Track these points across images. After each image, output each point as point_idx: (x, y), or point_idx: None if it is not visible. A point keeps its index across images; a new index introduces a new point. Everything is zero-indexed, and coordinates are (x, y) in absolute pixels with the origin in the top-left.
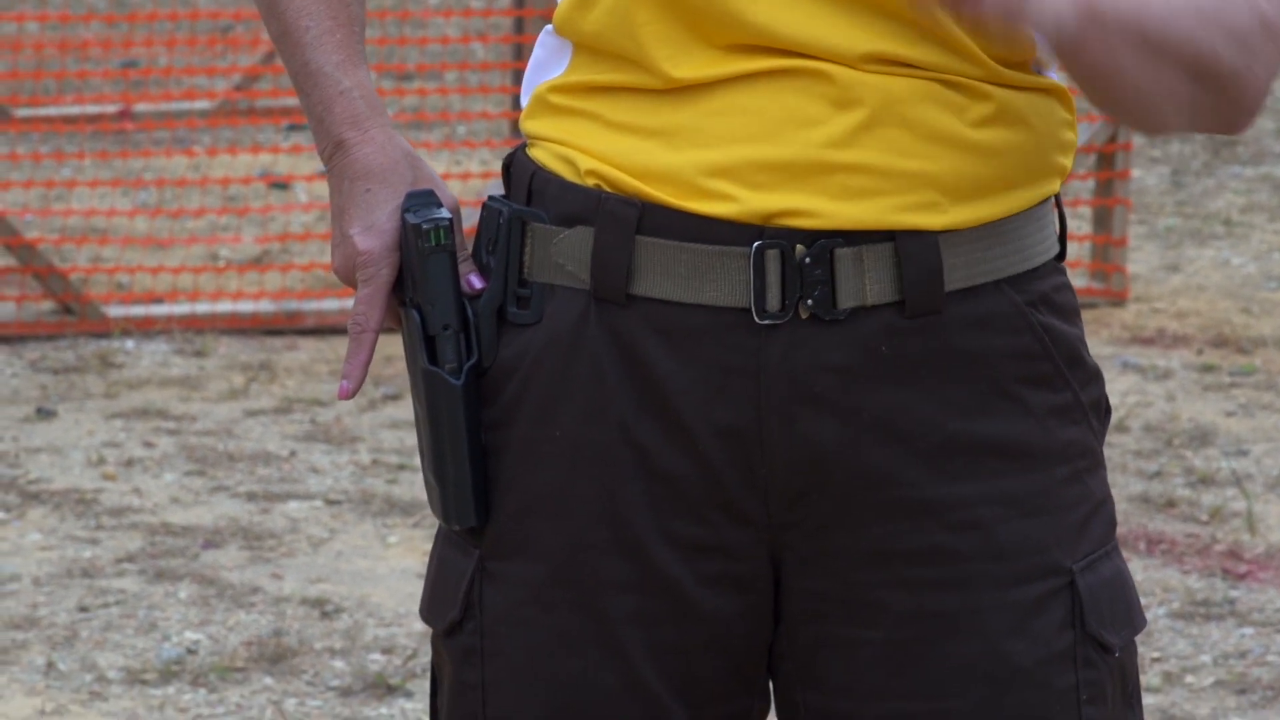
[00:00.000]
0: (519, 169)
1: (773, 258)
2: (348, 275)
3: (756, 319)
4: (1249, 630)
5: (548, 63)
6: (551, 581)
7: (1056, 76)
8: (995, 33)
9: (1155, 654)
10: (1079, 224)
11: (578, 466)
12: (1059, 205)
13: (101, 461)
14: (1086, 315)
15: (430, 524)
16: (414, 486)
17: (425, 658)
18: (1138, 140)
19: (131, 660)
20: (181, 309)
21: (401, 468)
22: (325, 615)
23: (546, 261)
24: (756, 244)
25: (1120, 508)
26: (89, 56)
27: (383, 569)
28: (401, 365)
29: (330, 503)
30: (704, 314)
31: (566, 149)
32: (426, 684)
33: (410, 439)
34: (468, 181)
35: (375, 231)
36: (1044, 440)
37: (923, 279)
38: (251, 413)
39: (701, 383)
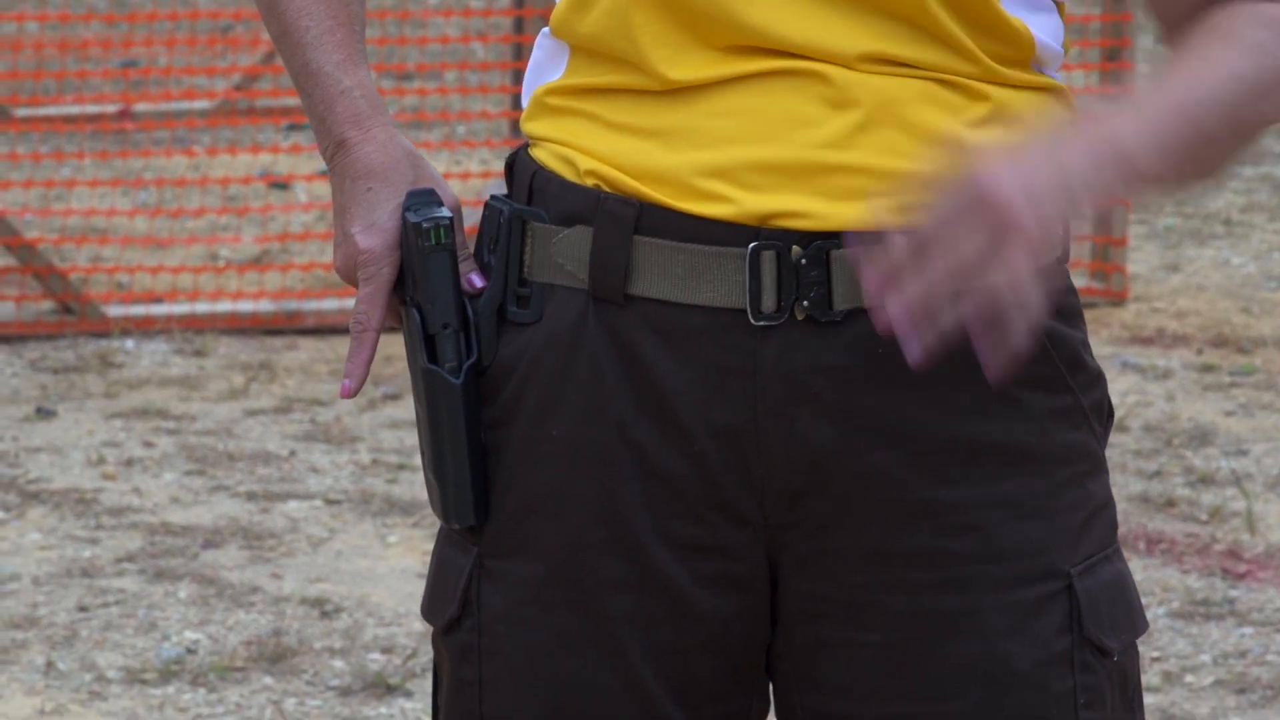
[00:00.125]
0: (521, 168)
1: (768, 259)
2: (349, 274)
3: (752, 320)
4: (1248, 630)
5: (545, 66)
6: (550, 580)
7: (1058, 76)
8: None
9: (1155, 653)
10: (1079, 223)
11: (576, 466)
12: None
13: (101, 461)
14: (1086, 315)
15: (430, 523)
16: (414, 486)
17: (425, 657)
18: None
19: (131, 660)
20: (181, 309)
21: (401, 467)
22: (325, 615)
23: (546, 261)
24: (752, 245)
25: (1120, 507)
26: (89, 56)
27: (382, 569)
28: (401, 365)
29: (330, 502)
30: (701, 314)
31: (566, 149)
32: (426, 684)
33: (410, 439)
34: (467, 181)
35: (376, 230)
36: (1043, 443)
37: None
38: (251, 412)
39: (699, 383)
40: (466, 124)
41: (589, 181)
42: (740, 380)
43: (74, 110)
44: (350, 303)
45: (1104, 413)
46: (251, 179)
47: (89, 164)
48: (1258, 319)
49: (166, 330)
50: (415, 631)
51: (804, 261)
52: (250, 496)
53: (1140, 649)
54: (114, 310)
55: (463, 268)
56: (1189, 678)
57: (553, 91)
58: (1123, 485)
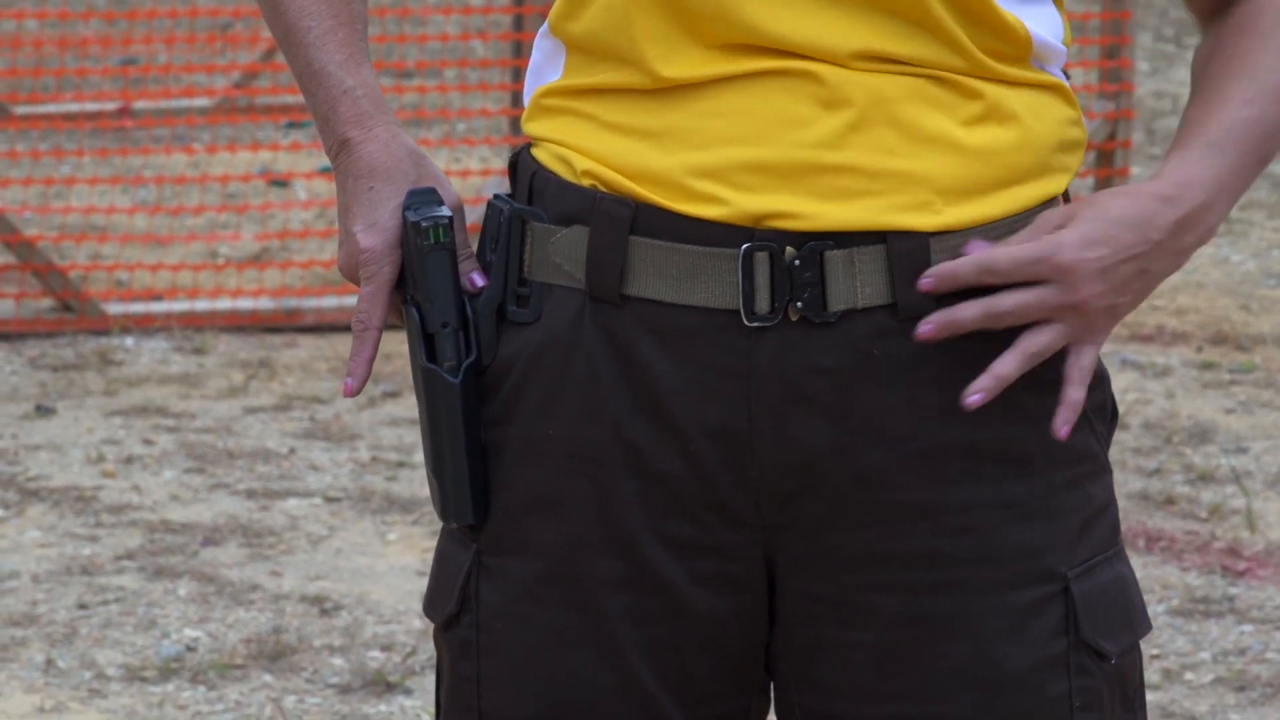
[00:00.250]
0: (522, 168)
1: (761, 260)
2: (351, 273)
3: (746, 321)
4: (1248, 627)
5: (544, 67)
6: (547, 578)
7: (1059, 73)
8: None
9: (1154, 651)
10: None
11: (572, 465)
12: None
13: (101, 459)
14: None
15: (429, 521)
16: (413, 484)
17: (424, 655)
18: (1137, 138)
19: (131, 658)
20: (181, 306)
21: (401, 465)
22: (324, 612)
23: (545, 260)
24: (745, 247)
25: (1119, 505)
26: (88, 54)
27: (382, 566)
28: (401, 363)
29: (329, 500)
30: (696, 315)
31: (563, 149)
32: (425, 681)
33: (409, 436)
34: (467, 178)
35: (377, 229)
36: (1042, 445)
37: (915, 280)
38: (251, 410)
39: (694, 383)
40: (466, 121)
41: (585, 182)
42: (735, 381)
43: (73, 108)
44: (350, 300)
45: (1107, 413)
46: (251, 176)
47: (88, 161)
48: (1257, 316)
49: (166, 328)
50: (415, 629)
51: (797, 263)
52: (250, 494)
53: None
54: (113, 308)
55: (464, 267)
56: (1188, 675)
57: (551, 93)
58: (1122, 483)
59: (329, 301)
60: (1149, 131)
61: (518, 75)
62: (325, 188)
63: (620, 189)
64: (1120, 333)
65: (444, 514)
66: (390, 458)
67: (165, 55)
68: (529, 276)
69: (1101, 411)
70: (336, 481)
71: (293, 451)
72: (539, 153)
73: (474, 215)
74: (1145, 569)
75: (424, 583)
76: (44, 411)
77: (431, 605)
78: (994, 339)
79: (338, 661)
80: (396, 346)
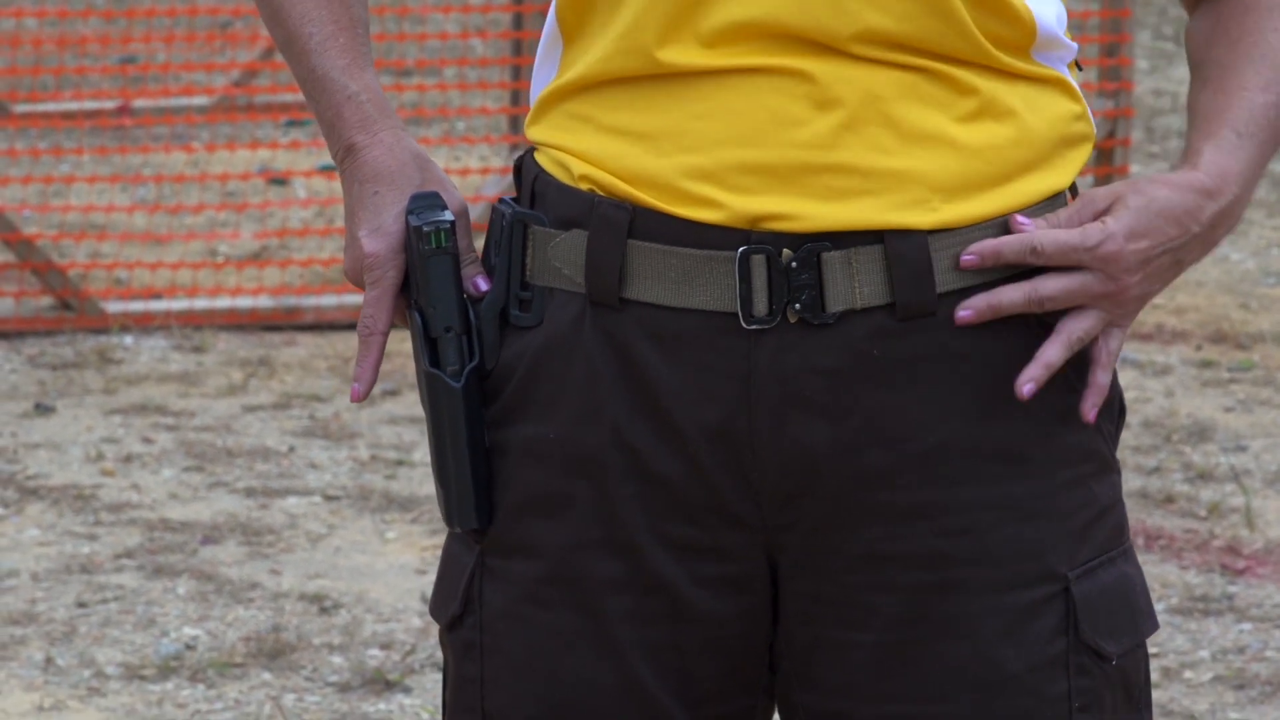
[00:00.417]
0: (525, 172)
1: (758, 263)
2: (356, 278)
3: (744, 324)
4: (1247, 626)
5: (545, 64)
6: (548, 579)
7: (1062, 68)
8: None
9: (1154, 650)
10: None
11: (573, 467)
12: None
13: (100, 457)
14: None
15: (429, 519)
16: (412, 482)
17: (423, 653)
18: (1136, 136)
19: (130, 656)
20: (180, 305)
21: (400, 463)
22: (324, 611)
23: (546, 264)
24: (741, 249)
25: None
26: (88, 52)
27: (381, 564)
28: (400, 361)
29: (329, 498)
30: (695, 318)
31: (562, 154)
32: (425, 679)
33: (409, 435)
34: (467, 177)
35: (382, 234)
36: (1045, 444)
37: (913, 280)
38: (250, 408)
39: (693, 386)
40: (466, 120)
41: (584, 186)
42: (734, 383)
43: (73, 106)
44: (350, 298)
45: (1114, 411)
46: (250, 175)
47: (88, 160)
48: (1256, 315)
49: (165, 326)
50: (414, 627)
51: (794, 264)
52: (249, 492)
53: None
54: (113, 306)
55: (467, 271)
56: (1188, 673)
57: (549, 95)
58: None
59: (328, 300)
60: (1148, 129)
61: (517, 73)
62: (325, 186)
63: (618, 193)
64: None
65: (448, 518)
66: (389, 456)
67: (164, 53)
68: (531, 280)
69: (1108, 410)
70: (336, 480)
71: (292, 450)
72: (540, 157)
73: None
74: (1144, 567)
75: (423, 581)
76: (43, 410)
77: (436, 606)
78: (996, 337)
79: (337, 660)
80: (396, 345)
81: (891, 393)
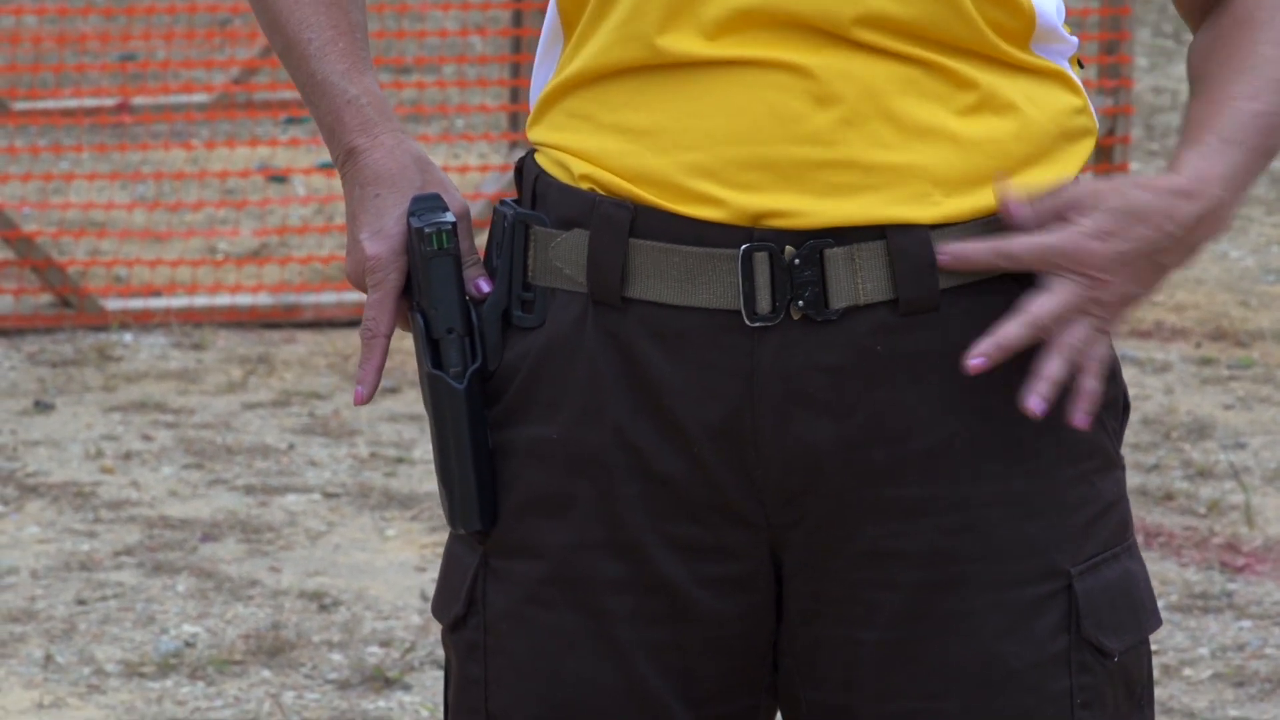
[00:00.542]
0: (526, 173)
1: (761, 260)
2: (359, 280)
3: (747, 321)
4: (1247, 623)
5: (544, 61)
6: (550, 580)
7: (1063, 62)
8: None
9: (1153, 647)
10: None
11: (575, 468)
12: None
13: (100, 455)
14: None
15: (428, 517)
16: (412, 480)
17: (423, 651)
18: (1136, 133)
19: (129, 653)
20: (180, 302)
21: (399, 461)
22: (323, 608)
23: (547, 265)
24: (744, 247)
25: None
26: (87, 50)
27: (381, 562)
28: (400, 359)
29: (328, 496)
30: (698, 316)
31: (562, 154)
32: (424, 677)
33: (408, 432)
34: (466, 175)
35: (383, 236)
36: (1048, 441)
37: (915, 275)
38: (250, 406)
39: (696, 385)
40: (465, 118)
41: (584, 185)
42: (737, 381)
43: (72, 104)
44: (349, 296)
45: (1118, 408)
46: (250, 172)
47: (87, 157)
48: (1256, 312)
49: (165, 324)
50: (413, 625)
51: (797, 261)
52: (249, 490)
53: None
54: (112, 304)
55: (470, 273)
56: (1187, 671)
57: (550, 93)
58: None
59: (328, 297)
60: (1148, 127)
61: (517, 70)
62: (324, 183)
63: (619, 191)
64: (1119, 328)
65: (451, 520)
66: (389, 454)
67: (164, 51)
68: (533, 281)
69: (1112, 407)
70: (335, 477)
71: (291, 447)
72: (540, 158)
73: (473, 210)
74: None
75: (423, 579)
76: (43, 407)
77: (439, 607)
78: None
79: (336, 657)
80: (396, 343)
81: (895, 389)
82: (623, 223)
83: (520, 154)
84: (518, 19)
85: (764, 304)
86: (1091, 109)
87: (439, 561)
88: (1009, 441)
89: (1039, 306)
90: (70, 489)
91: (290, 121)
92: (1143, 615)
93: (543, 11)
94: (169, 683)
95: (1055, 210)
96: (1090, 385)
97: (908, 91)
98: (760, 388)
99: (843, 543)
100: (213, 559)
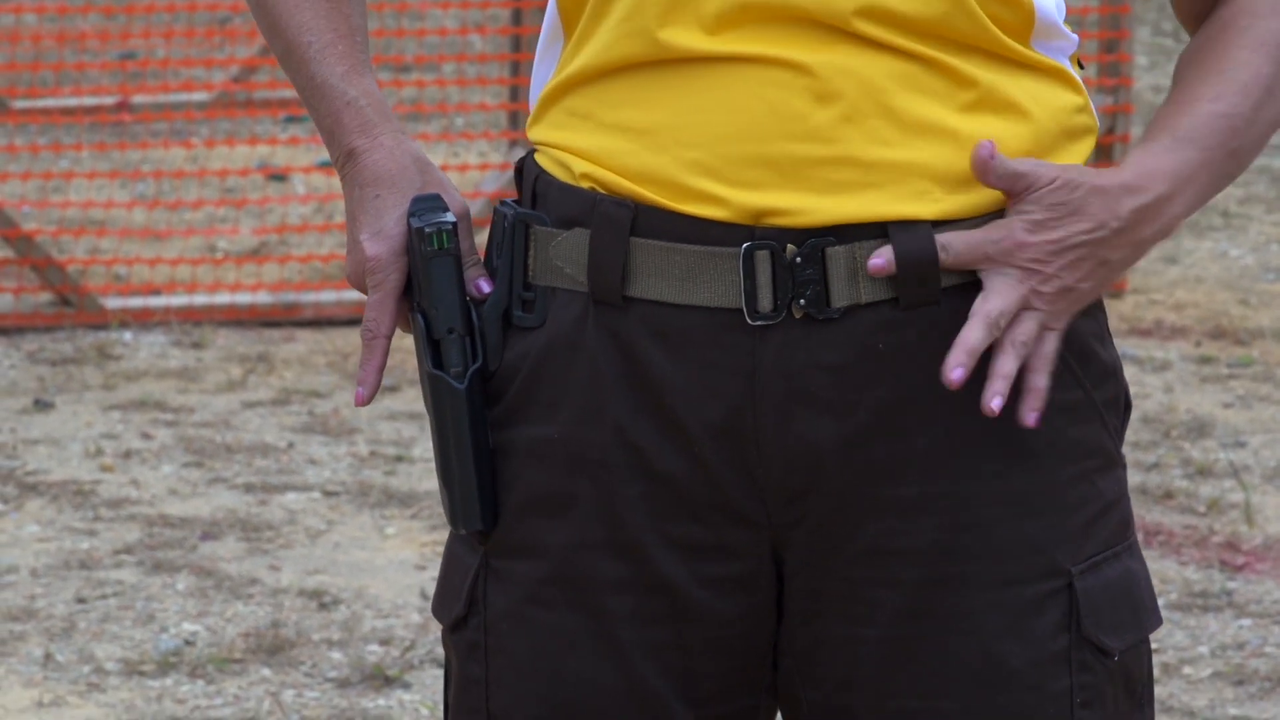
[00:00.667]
0: (527, 173)
1: (763, 259)
2: (359, 281)
3: (749, 320)
4: (1246, 622)
5: (545, 58)
6: (551, 580)
7: (1064, 60)
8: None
9: (1153, 646)
10: None
11: (576, 467)
12: None
13: (99, 453)
14: None
15: (428, 515)
16: (411, 478)
17: (423, 649)
18: (1135, 132)
19: (129, 652)
20: (179, 300)
21: (399, 459)
22: (323, 607)
23: (548, 264)
24: (745, 246)
25: None
26: (87, 48)
27: (380, 560)
28: (400, 357)
29: (328, 494)
30: (699, 315)
31: (562, 153)
32: (424, 675)
33: (408, 431)
34: (465, 173)
35: (383, 237)
36: (1049, 439)
37: (917, 269)
38: (249, 404)
39: (697, 384)
40: (464, 116)
41: (585, 184)
42: (739, 380)
43: (72, 102)
44: (348, 294)
45: (1120, 407)
46: (249, 171)
47: (87, 156)
48: (1256, 311)
49: (164, 322)
50: (413, 623)
51: (798, 260)
52: (248, 488)
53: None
54: (112, 302)
55: (470, 273)
56: (1187, 669)
57: (550, 93)
58: None
59: (327, 296)
60: (1148, 126)
61: (516, 69)
62: (323, 182)
63: (619, 190)
64: (1119, 327)
65: (453, 520)
66: (389, 452)
67: (164, 50)
68: (533, 281)
69: (1114, 405)
70: (335, 476)
71: (291, 446)
72: (540, 158)
73: (472, 209)
74: None
75: (423, 577)
76: (42, 406)
77: (440, 607)
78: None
79: (336, 655)
80: (395, 342)
81: (896, 387)
82: (624, 222)
83: (520, 153)
84: (517, 17)
85: (765, 303)
86: (1092, 107)
87: (439, 560)
88: (1009, 440)
89: (987, 304)
90: (70, 487)
91: (290, 120)
92: (1143, 614)
93: (542, 9)
94: (169, 681)
95: (1012, 177)
96: (1038, 383)
97: (908, 88)
98: (762, 386)
99: (844, 541)
100: (212, 557)
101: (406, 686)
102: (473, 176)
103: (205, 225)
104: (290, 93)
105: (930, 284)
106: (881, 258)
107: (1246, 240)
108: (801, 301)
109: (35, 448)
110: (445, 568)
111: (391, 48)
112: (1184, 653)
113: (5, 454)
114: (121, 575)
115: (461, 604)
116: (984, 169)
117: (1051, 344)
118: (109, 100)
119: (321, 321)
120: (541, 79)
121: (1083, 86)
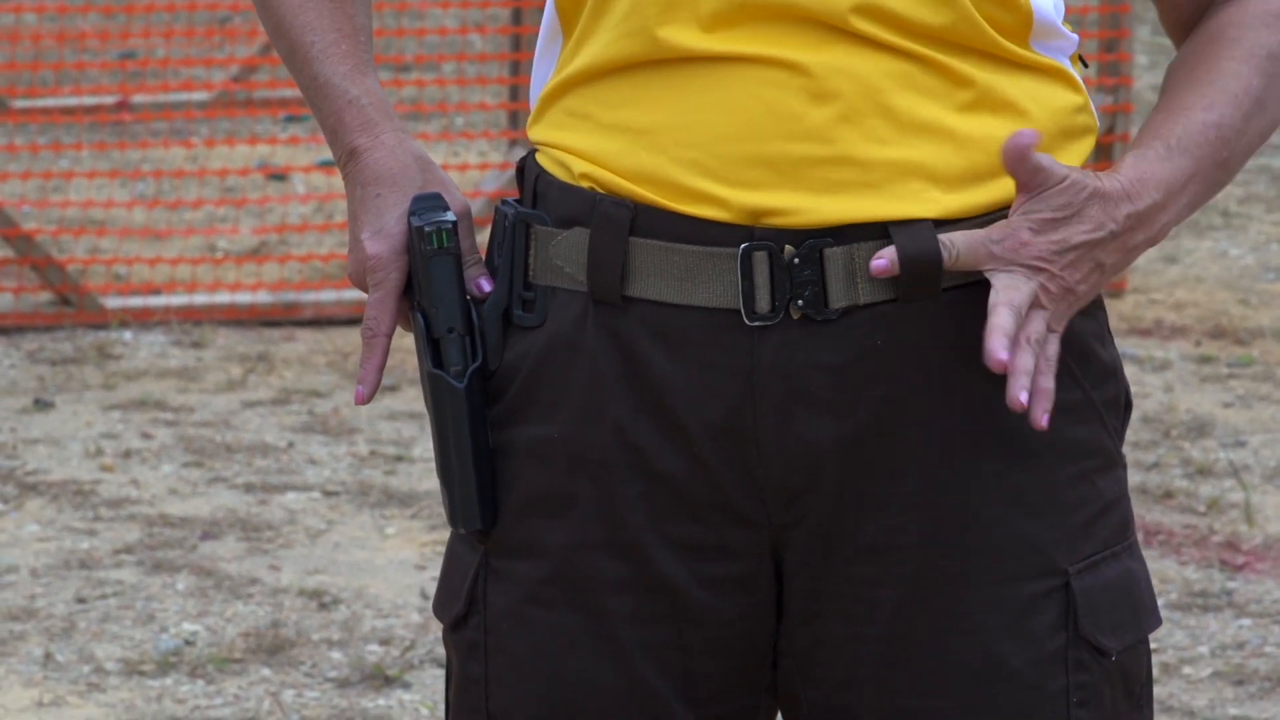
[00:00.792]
0: (527, 172)
1: (760, 259)
2: (360, 280)
3: (747, 321)
4: (1246, 621)
5: (544, 58)
6: (551, 580)
7: (1063, 59)
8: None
9: (1153, 645)
10: None
11: (576, 467)
12: None
13: (99, 453)
14: None
15: (428, 515)
16: (411, 478)
17: (422, 649)
18: (1135, 132)
19: (129, 651)
20: (179, 300)
21: (399, 459)
22: (323, 606)
23: (548, 264)
24: (744, 246)
25: None
26: (87, 48)
27: (380, 560)
28: (400, 357)
29: (328, 494)
30: (698, 315)
31: (562, 153)
32: (424, 675)
33: (408, 430)
34: (465, 172)
35: (384, 236)
36: (1048, 439)
37: (921, 269)
38: (249, 404)
39: (696, 384)
40: (464, 115)
41: (584, 184)
42: (738, 380)
43: (72, 102)
44: (348, 294)
45: (1120, 406)
46: (249, 170)
47: (87, 155)
48: (1256, 310)
49: (164, 322)
50: (413, 623)
51: (796, 261)
52: (248, 488)
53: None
54: (112, 302)
55: (470, 272)
56: (1187, 669)
57: (550, 92)
58: None
59: (327, 295)
60: (1138, 133)
61: (516, 68)
62: (323, 182)
63: (619, 190)
64: (1119, 326)
65: (452, 519)
66: (389, 452)
67: (164, 49)
68: (533, 280)
69: (1114, 405)
70: (335, 475)
71: (291, 445)
72: (541, 158)
73: (472, 208)
74: None
75: (423, 577)
76: (42, 405)
77: (440, 606)
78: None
79: (336, 655)
80: (395, 341)
81: (895, 386)
82: (623, 221)
83: (520, 152)
84: (517, 16)
85: (763, 303)
86: (1092, 107)
87: (439, 560)
88: (1009, 439)
89: (1006, 294)
90: (70, 487)
91: (290, 119)
92: (1142, 614)
93: (542, 9)
94: (169, 681)
95: (1034, 169)
96: (1045, 384)
97: (905, 88)
98: (761, 386)
99: (844, 541)
100: (212, 557)
101: (406, 686)
102: (473, 176)
103: (205, 225)
104: (290, 92)
105: (932, 284)
106: (884, 259)
107: (1246, 240)
108: (799, 302)
109: (35, 447)
110: (446, 567)
111: (391, 47)
112: (1184, 652)
113: (5, 454)
114: (121, 575)
115: (461, 603)
116: (1019, 155)
117: (1054, 346)
118: (109, 100)
119: (321, 321)
120: (541, 79)
121: (1083, 86)
